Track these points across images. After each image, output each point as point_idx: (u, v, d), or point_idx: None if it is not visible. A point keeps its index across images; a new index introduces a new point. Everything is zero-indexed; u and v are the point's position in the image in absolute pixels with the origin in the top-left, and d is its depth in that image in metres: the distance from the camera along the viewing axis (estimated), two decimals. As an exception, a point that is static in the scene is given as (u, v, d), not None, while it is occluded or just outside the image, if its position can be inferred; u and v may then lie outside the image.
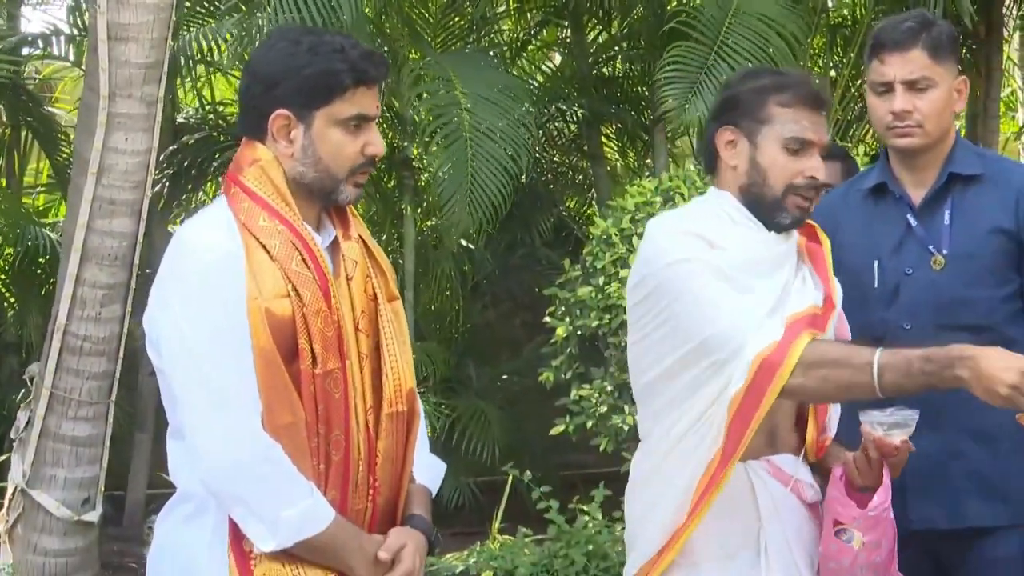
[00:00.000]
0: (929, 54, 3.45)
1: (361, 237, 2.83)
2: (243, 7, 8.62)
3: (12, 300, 9.42)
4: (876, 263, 3.49)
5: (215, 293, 2.59)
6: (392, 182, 9.49)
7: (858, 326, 3.44)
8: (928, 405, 3.31)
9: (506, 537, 7.01)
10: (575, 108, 9.94)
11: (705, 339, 2.85)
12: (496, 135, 7.68)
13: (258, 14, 7.08)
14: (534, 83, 10.39)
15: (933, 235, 3.47)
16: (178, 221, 9.87)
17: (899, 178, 3.56)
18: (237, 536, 2.62)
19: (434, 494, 2.92)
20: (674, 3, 8.64)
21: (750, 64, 7.64)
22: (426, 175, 9.38)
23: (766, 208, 3.02)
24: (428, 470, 2.91)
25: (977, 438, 3.40)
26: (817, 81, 3.23)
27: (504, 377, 9.46)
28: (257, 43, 7.04)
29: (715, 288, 2.88)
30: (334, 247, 2.77)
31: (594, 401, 6.00)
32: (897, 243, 3.50)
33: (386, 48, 8.46)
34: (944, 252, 3.45)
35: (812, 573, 3.04)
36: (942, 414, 3.34)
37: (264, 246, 2.64)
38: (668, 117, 7.85)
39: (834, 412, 3.15)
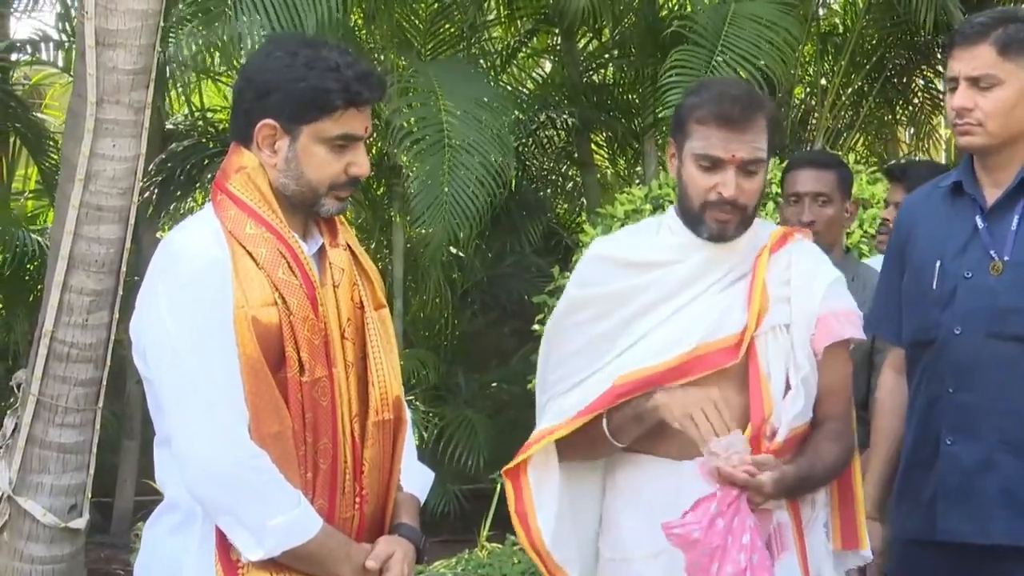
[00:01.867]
0: (998, 50, 3.28)
1: (348, 244, 2.82)
2: (231, 13, 8.62)
3: (0, 306, 9.40)
4: (938, 263, 3.38)
5: (202, 301, 2.58)
6: (381, 189, 9.48)
7: (915, 327, 3.45)
8: (966, 412, 3.30)
9: (494, 545, 6.99)
10: (565, 116, 9.95)
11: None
12: (478, 147, 7.67)
13: (244, 19, 7.08)
14: (524, 90, 10.39)
15: (997, 240, 3.33)
16: (166, 228, 9.86)
17: (978, 179, 3.43)
18: (224, 545, 2.61)
19: (422, 503, 2.91)
20: (664, 11, 8.64)
21: (751, 66, 7.66)
22: (413, 183, 9.38)
23: (690, 221, 3.09)
24: (416, 478, 2.90)
25: (1015, 452, 3.28)
26: (749, 94, 3.16)
27: (493, 385, 9.45)
28: (244, 50, 7.05)
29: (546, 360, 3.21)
30: (321, 255, 2.76)
31: (582, 409, 5.98)
32: (962, 245, 3.37)
33: (376, 56, 8.46)
34: (1005, 258, 3.31)
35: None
36: (980, 423, 3.29)
37: (251, 254, 2.63)
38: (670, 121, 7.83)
39: (789, 406, 3.04)
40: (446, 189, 7.57)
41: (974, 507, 3.29)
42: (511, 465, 3.10)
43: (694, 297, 3.09)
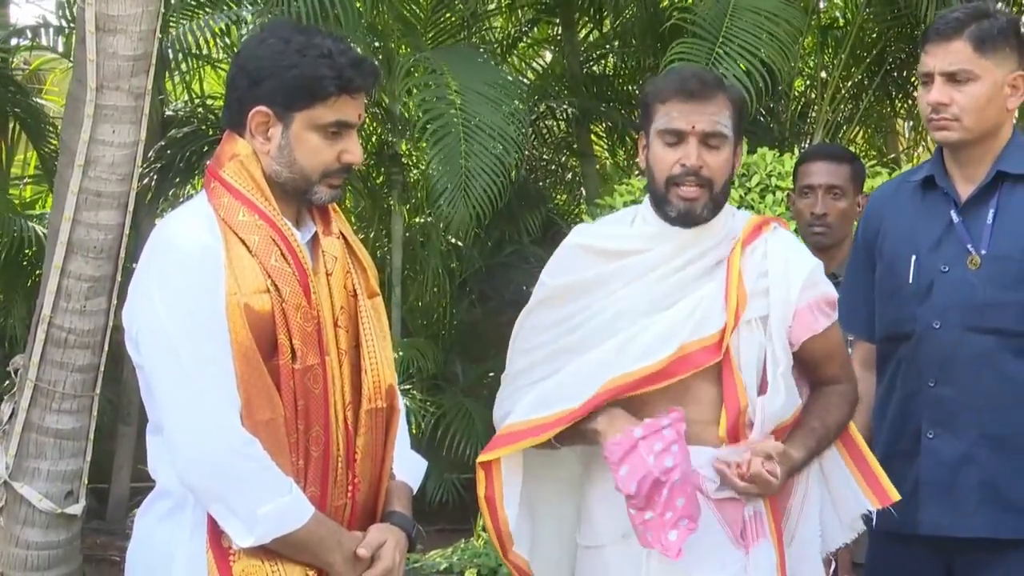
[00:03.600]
0: (974, 46, 3.31)
1: (342, 233, 2.82)
2: (232, 4, 8.63)
3: (-2, 292, 9.40)
4: (914, 257, 3.40)
5: (194, 288, 2.58)
6: (381, 178, 9.48)
7: (890, 321, 3.46)
8: (946, 406, 3.31)
9: (490, 534, 7.00)
10: (565, 106, 9.94)
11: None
12: (486, 132, 7.67)
13: (246, 7, 7.08)
14: (525, 80, 10.39)
15: (973, 233, 3.35)
16: (165, 214, 9.86)
17: (950, 173, 3.45)
18: (216, 532, 2.61)
19: (415, 491, 2.91)
20: (665, 2, 8.63)
21: (751, 58, 7.65)
22: (415, 171, 9.37)
23: (657, 204, 3.12)
24: (409, 467, 2.91)
25: (994, 445, 3.31)
26: (711, 75, 3.21)
27: (491, 375, 9.45)
28: (244, 37, 7.05)
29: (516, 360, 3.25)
30: (314, 242, 2.76)
31: (579, 399, 5.98)
32: (937, 239, 3.39)
33: (377, 43, 8.45)
34: (982, 252, 3.33)
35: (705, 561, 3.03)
36: (960, 417, 3.31)
37: (243, 241, 2.63)
38: None
39: (768, 402, 3.05)
40: (460, 174, 7.56)
41: (954, 501, 3.32)
42: (486, 458, 3.11)
43: (663, 277, 3.09)
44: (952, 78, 3.34)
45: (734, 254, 3.10)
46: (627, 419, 3.00)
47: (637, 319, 3.07)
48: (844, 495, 3.21)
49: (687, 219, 3.08)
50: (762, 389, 3.07)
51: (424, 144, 7.90)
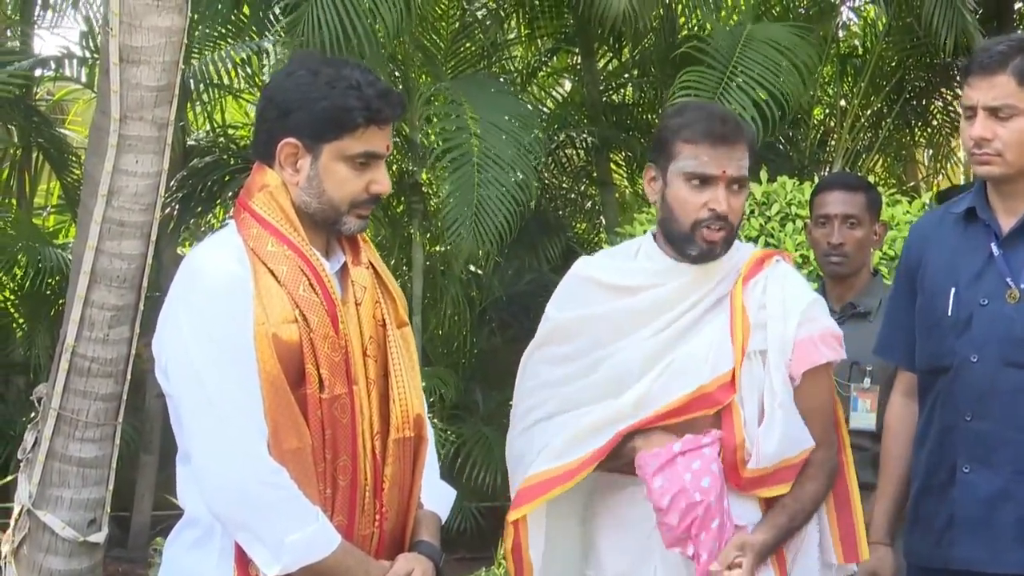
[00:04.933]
0: (1018, 80, 3.26)
1: (371, 263, 2.84)
2: (254, 33, 8.68)
3: (21, 321, 9.44)
4: (953, 290, 3.36)
5: (223, 318, 2.60)
6: (401, 207, 9.51)
7: (929, 353, 3.43)
8: (982, 441, 3.28)
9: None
10: (585, 135, 9.96)
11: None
12: (504, 161, 7.70)
13: (268, 37, 7.12)
14: (544, 109, 10.42)
15: (1014, 267, 3.31)
16: (187, 243, 9.90)
17: (992, 205, 3.41)
18: (243, 561, 2.62)
19: (443, 521, 2.91)
20: (685, 31, 8.67)
21: (760, 89, 7.67)
22: (435, 200, 9.40)
23: (677, 242, 3.11)
24: (438, 496, 2.91)
25: None
26: (733, 115, 3.20)
27: (510, 403, 9.44)
28: (265, 67, 7.09)
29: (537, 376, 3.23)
30: (343, 272, 2.77)
31: (600, 428, 5.97)
32: (977, 272, 3.35)
33: (397, 73, 8.49)
34: (1022, 286, 3.29)
35: None
36: (997, 452, 3.28)
37: (272, 271, 2.64)
38: None
39: (764, 435, 3.04)
40: (471, 206, 7.60)
41: (989, 537, 3.28)
42: (517, 516, 3.10)
43: (676, 317, 3.09)
44: (995, 113, 3.30)
45: (736, 289, 3.11)
46: (664, 435, 3.01)
47: (654, 363, 3.07)
48: (824, 537, 3.21)
49: (706, 258, 3.09)
50: (761, 423, 3.07)
51: (442, 173, 7.93)
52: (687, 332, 3.09)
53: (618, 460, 3.06)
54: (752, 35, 8.03)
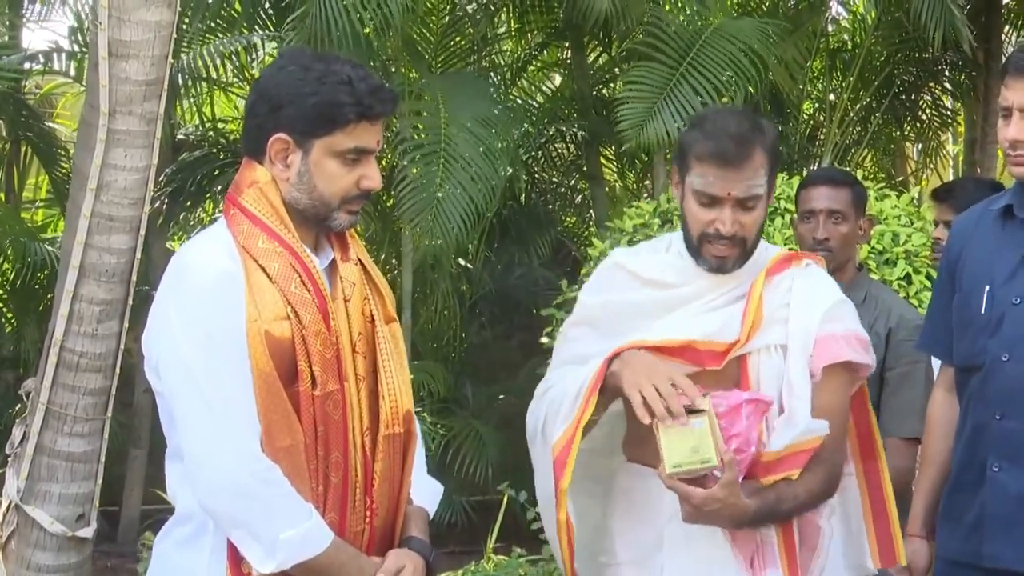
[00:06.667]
0: None
1: (360, 259, 2.83)
2: (244, 28, 8.67)
3: (10, 315, 9.43)
4: (987, 288, 3.36)
5: (215, 315, 2.59)
6: (391, 202, 9.50)
7: (963, 352, 3.44)
8: (1012, 440, 3.28)
9: (500, 557, 7.00)
10: (575, 129, 9.97)
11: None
12: (474, 159, 7.70)
13: (257, 31, 7.11)
14: (534, 104, 10.42)
15: None
16: (176, 238, 9.89)
17: None
18: (235, 558, 2.62)
19: (432, 516, 2.91)
20: (672, 28, 8.66)
21: (713, 85, 7.70)
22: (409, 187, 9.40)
23: (691, 251, 3.13)
24: (426, 491, 2.91)
25: None
26: (748, 129, 3.07)
27: (500, 397, 9.46)
28: (255, 61, 7.08)
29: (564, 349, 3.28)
30: (332, 268, 2.77)
31: (590, 422, 5.98)
32: (1012, 271, 3.35)
33: (393, 69, 8.49)
34: None
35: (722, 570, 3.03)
36: None
37: (263, 268, 2.64)
38: (623, 136, 7.89)
39: (782, 428, 3.03)
40: (439, 195, 7.59)
41: (1019, 535, 3.28)
42: (565, 484, 3.05)
43: (693, 315, 3.12)
44: None
45: (756, 280, 3.11)
46: (647, 359, 3.00)
47: (664, 334, 3.11)
48: (856, 540, 3.22)
49: (718, 271, 3.11)
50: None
51: (415, 169, 7.91)
52: (702, 315, 3.11)
53: (604, 392, 3.04)
54: (723, 28, 8.03)
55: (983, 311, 3.35)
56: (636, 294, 3.19)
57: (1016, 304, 3.31)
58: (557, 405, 3.12)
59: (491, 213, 8.29)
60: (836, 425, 3.09)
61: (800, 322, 3.08)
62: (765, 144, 3.08)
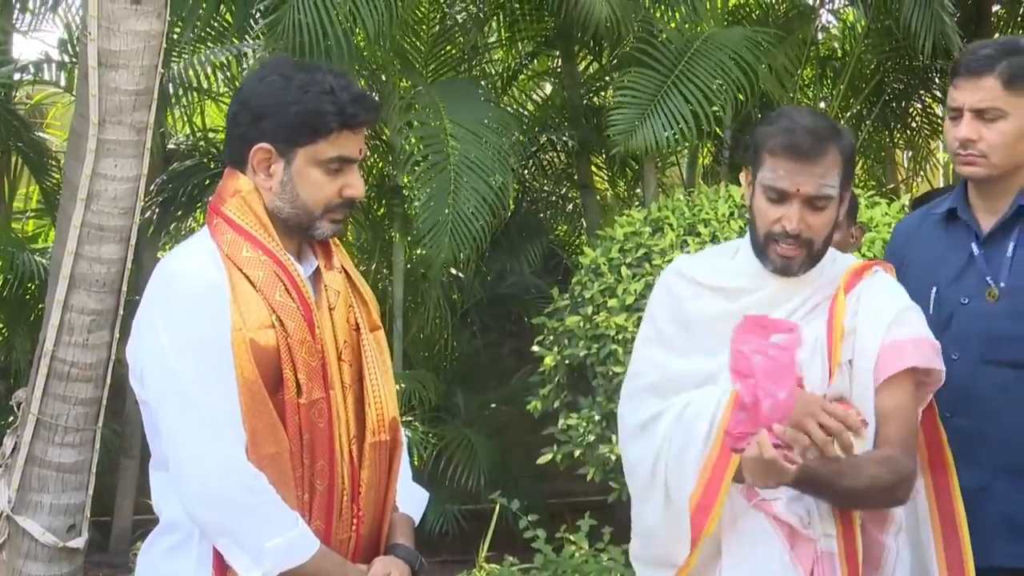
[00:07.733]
0: (1004, 83, 3.30)
1: (344, 267, 2.84)
2: (235, 38, 8.67)
3: (0, 326, 9.40)
4: (934, 289, 3.40)
5: (201, 323, 2.60)
6: (382, 210, 9.50)
7: None
8: (963, 438, 3.29)
9: (492, 566, 6.99)
10: (565, 137, 9.97)
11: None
12: (480, 166, 7.70)
13: (248, 41, 7.10)
14: (525, 112, 10.43)
15: (993, 266, 3.36)
16: (167, 248, 9.87)
17: (972, 205, 3.45)
18: (221, 567, 2.63)
19: (417, 523, 2.92)
20: (663, 35, 8.68)
21: (703, 93, 7.71)
22: (416, 203, 9.39)
23: (757, 251, 3.08)
24: (411, 499, 2.92)
25: (1012, 477, 3.31)
26: (824, 128, 3.01)
27: (492, 406, 9.45)
28: (246, 72, 7.07)
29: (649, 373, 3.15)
30: (316, 277, 2.78)
31: (582, 430, 5.99)
32: (958, 271, 3.40)
33: (383, 77, 8.49)
34: (1001, 284, 3.33)
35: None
36: (978, 448, 3.30)
37: (248, 277, 2.65)
38: (614, 142, 7.90)
39: None
40: (447, 211, 7.60)
41: (975, 531, 3.28)
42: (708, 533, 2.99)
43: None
44: (981, 115, 3.32)
45: (837, 303, 3.05)
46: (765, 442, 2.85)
47: None
48: (923, 561, 3.17)
49: (784, 273, 3.05)
50: None
51: (421, 178, 7.92)
52: None
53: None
54: (713, 38, 8.05)
55: (931, 311, 3.36)
56: (704, 304, 3.12)
57: (964, 304, 3.37)
58: (679, 449, 3.00)
59: (505, 213, 8.27)
60: (904, 428, 3.02)
61: (866, 335, 3.03)
62: (841, 146, 3.02)
